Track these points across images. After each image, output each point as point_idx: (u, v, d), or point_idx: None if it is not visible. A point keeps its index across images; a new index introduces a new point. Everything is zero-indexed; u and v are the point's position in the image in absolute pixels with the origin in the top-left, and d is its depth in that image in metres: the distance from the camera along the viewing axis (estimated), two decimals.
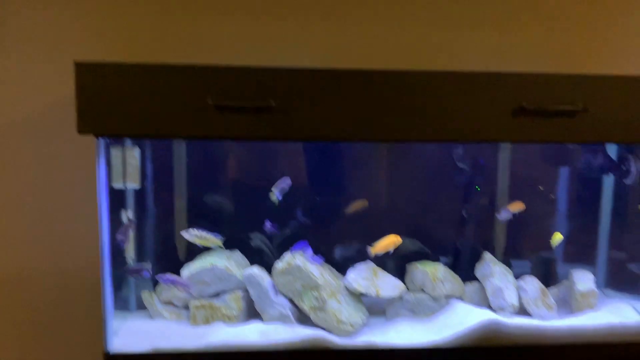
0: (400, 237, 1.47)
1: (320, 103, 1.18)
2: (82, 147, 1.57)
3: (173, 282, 1.35)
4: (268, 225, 1.44)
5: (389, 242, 1.41)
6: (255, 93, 1.17)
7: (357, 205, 1.50)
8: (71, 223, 1.59)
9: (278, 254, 1.42)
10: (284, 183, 1.40)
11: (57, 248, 1.56)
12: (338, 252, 1.55)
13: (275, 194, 1.38)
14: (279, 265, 1.37)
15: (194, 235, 1.36)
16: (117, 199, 1.36)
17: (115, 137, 1.27)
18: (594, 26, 1.62)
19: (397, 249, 1.53)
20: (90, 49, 1.48)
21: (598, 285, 1.56)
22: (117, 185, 1.33)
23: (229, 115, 1.17)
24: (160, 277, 1.35)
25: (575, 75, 1.22)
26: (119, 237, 1.33)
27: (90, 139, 1.20)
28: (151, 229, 1.47)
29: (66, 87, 1.39)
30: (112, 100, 1.15)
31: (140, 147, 1.35)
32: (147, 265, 1.39)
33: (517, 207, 1.49)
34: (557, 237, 1.50)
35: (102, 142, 1.23)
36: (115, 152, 1.32)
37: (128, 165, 1.33)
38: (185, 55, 1.57)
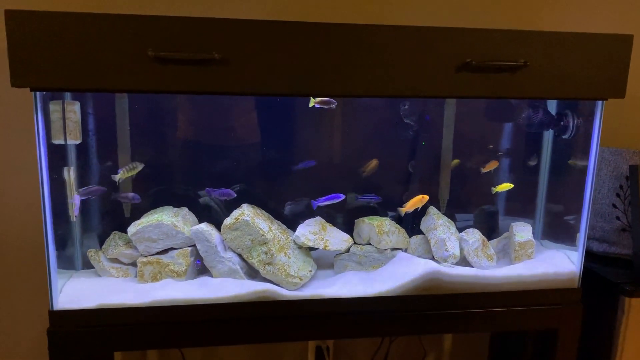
0: (349, 192, 1.49)
1: (265, 56, 1.16)
2: (21, 100, 1.52)
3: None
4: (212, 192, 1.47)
5: (416, 200, 1.47)
6: (198, 45, 1.14)
7: (372, 165, 1.52)
8: (12, 180, 1.55)
9: (228, 211, 1.42)
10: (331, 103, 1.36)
11: None
12: (288, 208, 1.56)
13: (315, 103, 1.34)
14: (227, 221, 1.38)
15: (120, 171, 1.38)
16: (58, 154, 1.33)
17: (51, 91, 1.22)
18: None
19: (346, 204, 1.56)
20: None
21: (537, 236, 1.64)
22: (58, 141, 1.29)
23: (171, 68, 1.14)
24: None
25: (516, 31, 1.24)
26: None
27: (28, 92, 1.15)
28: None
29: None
30: (47, 52, 1.10)
31: (81, 101, 1.31)
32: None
33: (492, 166, 1.56)
34: (503, 186, 1.54)
35: (39, 96, 1.18)
36: (54, 107, 1.27)
37: (68, 120, 1.29)
38: (126, 5, 1.51)
